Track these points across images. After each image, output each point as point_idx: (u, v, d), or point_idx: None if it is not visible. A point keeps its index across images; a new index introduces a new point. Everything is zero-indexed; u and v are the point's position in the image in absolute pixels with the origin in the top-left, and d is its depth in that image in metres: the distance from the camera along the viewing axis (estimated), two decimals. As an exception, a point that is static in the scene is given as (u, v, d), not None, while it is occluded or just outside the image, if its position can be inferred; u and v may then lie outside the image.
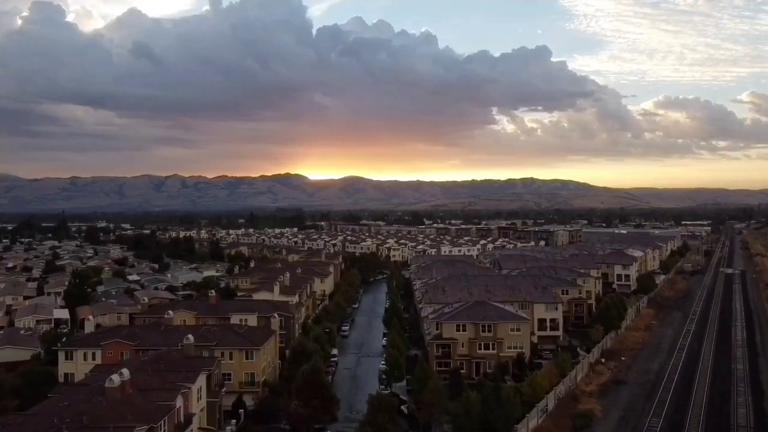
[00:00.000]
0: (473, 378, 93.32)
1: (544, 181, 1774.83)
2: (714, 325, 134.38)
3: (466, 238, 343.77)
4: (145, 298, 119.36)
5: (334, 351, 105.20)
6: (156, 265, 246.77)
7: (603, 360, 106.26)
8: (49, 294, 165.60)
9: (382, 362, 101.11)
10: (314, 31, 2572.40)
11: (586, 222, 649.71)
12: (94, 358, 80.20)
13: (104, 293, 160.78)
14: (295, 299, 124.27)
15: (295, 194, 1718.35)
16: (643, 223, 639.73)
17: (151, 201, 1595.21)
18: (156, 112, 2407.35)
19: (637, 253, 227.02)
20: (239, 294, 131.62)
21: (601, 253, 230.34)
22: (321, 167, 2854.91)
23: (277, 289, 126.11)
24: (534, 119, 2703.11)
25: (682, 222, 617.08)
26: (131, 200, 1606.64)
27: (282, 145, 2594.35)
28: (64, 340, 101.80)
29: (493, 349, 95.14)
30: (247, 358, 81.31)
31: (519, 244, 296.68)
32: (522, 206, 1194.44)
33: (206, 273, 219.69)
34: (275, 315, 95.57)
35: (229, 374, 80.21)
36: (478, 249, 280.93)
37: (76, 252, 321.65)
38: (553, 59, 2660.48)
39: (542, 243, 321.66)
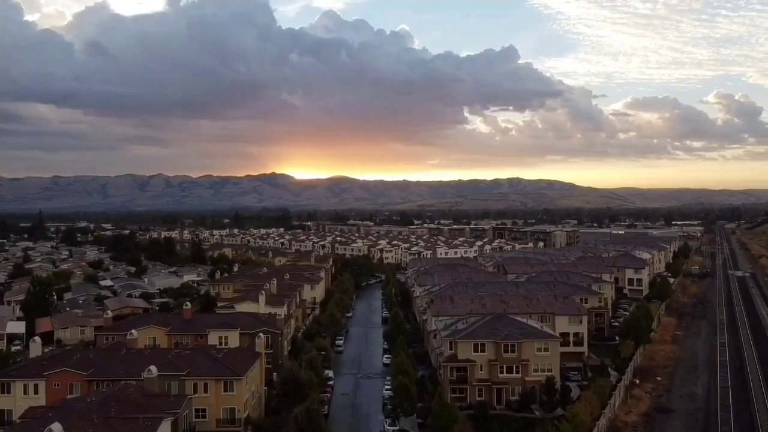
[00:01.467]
0: (495, 407, 79.30)
1: (529, 181, 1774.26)
2: (748, 337, 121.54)
3: (460, 239, 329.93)
4: (109, 312, 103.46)
5: (330, 373, 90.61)
6: (133, 269, 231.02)
7: (637, 381, 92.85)
8: (9, 303, 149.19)
9: (386, 386, 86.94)
10: (285, 29, 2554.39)
11: (576, 222, 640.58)
12: (36, 392, 65.22)
13: (70, 302, 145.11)
14: (283, 311, 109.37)
15: (280, 194, 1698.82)
16: (635, 223, 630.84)
17: (135, 201, 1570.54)
18: (123, 111, 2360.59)
19: (645, 256, 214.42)
20: (219, 305, 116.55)
21: (606, 255, 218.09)
22: (306, 167, 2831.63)
23: (262, 299, 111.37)
24: (507, 119, 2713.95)
25: (673, 222, 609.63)
26: (115, 200, 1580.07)
27: (256, 145, 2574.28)
28: (11, 362, 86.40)
29: (518, 372, 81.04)
30: (226, 390, 66.60)
31: (517, 246, 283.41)
32: (509, 206, 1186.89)
33: (186, 277, 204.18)
34: (260, 334, 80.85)
35: (204, 410, 65.55)
36: (475, 251, 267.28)
37: (49, 254, 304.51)
38: (521, 61, 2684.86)
39: (541, 244, 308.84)
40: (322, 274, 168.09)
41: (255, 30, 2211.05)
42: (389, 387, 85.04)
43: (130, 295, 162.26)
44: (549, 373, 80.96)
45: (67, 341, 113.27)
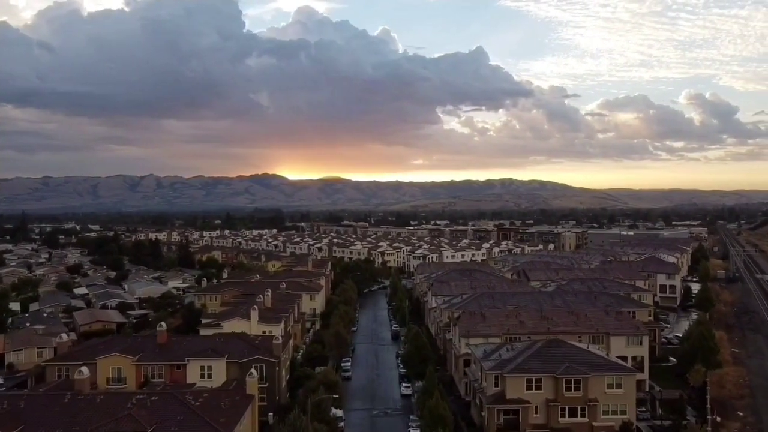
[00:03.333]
0: (556, 463, 61.66)
1: (522, 182, 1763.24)
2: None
3: (464, 240, 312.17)
4: (63, 336, 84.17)
5: (338, 412, 72.41)
6: (114, 273, 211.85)
7: (718, 419, 75.23)
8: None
9: (411, 429, 69.03)
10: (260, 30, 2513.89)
11: (575, 222, 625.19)
12: (-61, 461, 47.06)
13: (32, 315, 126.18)
14: (279, 330, 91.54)
15: (273, 194, 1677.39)
16: (636, 223, 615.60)
17: (126, 201, 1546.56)
18: (91, 111, 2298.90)
19: (671, 259, 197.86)
20: (204, 322, 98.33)
21: (626, 259, 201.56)
22: (298, 168, 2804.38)
23: (254, 315, 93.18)
24: (483, 120, 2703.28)
25: (672, 223, 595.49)
26: (105, 200, 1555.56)
27: (241, 146, 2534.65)
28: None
29: (583, 416, 63.37)
30: (204, 455, 48.57)
31: (527, 248, 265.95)
32: (502, 206, 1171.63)
33: (171, 284, 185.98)
34: (252, 371, 62.59)
35: (174, 484, 47.54)
36: (482, 253, 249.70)
37: (27, 257, 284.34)
38: (498, 62, 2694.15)
39: (551, 246, 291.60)
40: (322, 281, 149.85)
41: (224, 28, 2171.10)
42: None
43: (104, 306, 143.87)
44: (623, 416, 63.29)
45: (21, 366, 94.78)
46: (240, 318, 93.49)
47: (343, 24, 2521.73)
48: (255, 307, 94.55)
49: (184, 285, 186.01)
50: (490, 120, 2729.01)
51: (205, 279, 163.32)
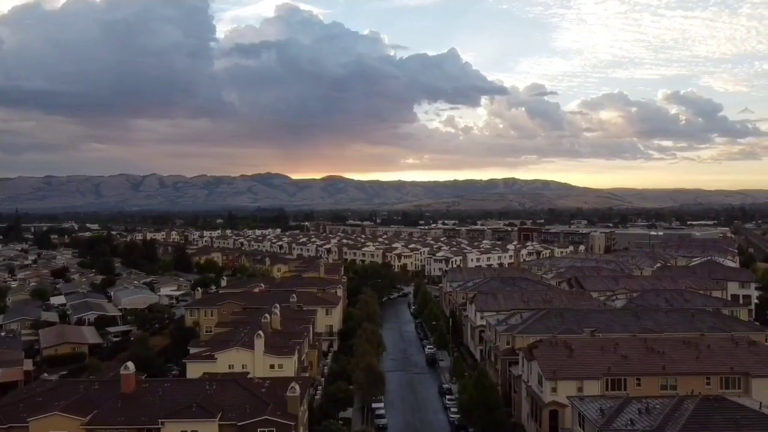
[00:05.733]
0: None
1: (525, 182, 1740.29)
2: None
3: (485, 242, 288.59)
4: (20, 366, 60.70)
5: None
6: (102, 278, 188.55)
7: None
8: None
9: None
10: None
11: (586, 222, 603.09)
12: None
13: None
14: (292, 363, 68.69)
15: (275, 194, 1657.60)
16: (656, 223, 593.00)
17: (129, 200, 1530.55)
18: (68, 110, 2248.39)
19: (729, 263, 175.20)
20: (192, 352, 75.23)
21: (673, 263, 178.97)
22: (300, 167, 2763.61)
23: (259, 344, 69.94)
24: (467, 119, 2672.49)
25: (688, 222, 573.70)
26: (108, 200, 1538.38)
27: (229, 145, 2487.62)
28: None
29: None
30: None
31: (557, 250, 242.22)
32: (506, 206, 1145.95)
33: (164, 290, 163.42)
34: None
35: None
36: (510, 256, 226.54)
37: (13, 259, 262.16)
38: (480, 63, 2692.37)
39: (581, 248, 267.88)
40: (340, 292, 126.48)
41: (189, 27, 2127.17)
42: None
43: (81, 321, 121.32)
44: None
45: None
46: (240, 348, 70.28)
47: (334, 25, 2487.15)
48: (260, 333, 71.24)
49: (179, 292, 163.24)
50: (472, 119, 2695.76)
51: (199, 289, 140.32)
